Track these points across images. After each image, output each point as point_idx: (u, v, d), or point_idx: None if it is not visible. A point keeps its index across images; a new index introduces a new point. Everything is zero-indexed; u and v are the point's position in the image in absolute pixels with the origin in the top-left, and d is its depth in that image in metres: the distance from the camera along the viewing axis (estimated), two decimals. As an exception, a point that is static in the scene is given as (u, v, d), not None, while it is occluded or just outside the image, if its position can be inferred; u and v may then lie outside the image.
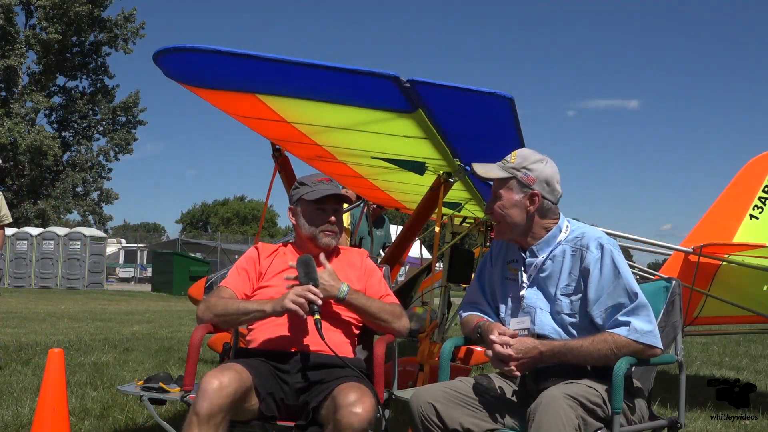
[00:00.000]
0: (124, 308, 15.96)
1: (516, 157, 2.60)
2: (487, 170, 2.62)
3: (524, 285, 2.61)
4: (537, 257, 2.60)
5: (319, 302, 2.63)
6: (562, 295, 2.53)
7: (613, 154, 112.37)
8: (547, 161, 2.60)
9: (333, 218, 2.96)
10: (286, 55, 2.69)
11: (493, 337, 2.47)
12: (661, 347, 2.46)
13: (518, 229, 2.60)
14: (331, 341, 2.66)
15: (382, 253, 8.24)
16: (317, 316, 2.61)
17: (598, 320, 2.46)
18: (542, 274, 2.58)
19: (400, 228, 5.92)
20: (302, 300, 2.60)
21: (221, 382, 2.40)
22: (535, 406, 2.26)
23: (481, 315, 2.71)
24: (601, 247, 2.50)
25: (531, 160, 2.58)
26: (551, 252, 2.58)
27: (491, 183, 2.66)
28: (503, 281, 2.70)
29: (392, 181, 5.31)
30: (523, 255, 2.64)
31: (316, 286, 2.68)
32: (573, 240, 2.57)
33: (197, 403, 2.37)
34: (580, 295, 2.50)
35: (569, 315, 2.51)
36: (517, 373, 2.46)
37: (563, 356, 2.41)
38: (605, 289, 2.45)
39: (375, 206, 7.51)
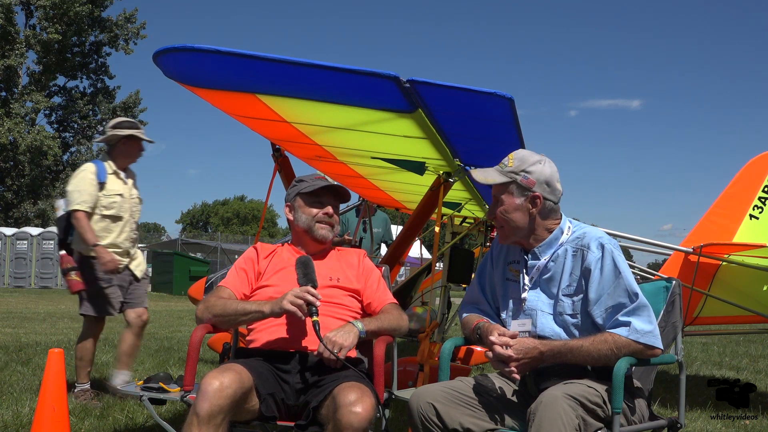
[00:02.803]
0: (124, 308, 15.91)
1: (513, 160, 2.58)
2: (486, 176, 2.60)
3: (526, 287, 2.61)
4: (539, 259, 2.59)
5: (318, 303, 2.63)
6: (564, 295, 2.53)
7: (615, 154, 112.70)
8: (545, 161, 2.58)
9: (330, 209, 2.97)
10: (286, 55, 2.70)
11: (492, 338, 2.46)
12: (662, 347, 2.45)
13: (522, 232, 2.59)
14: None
15: (383, 248, 8.25)
16: (315, 318, 2.61)
17: (599, 320, 2.46)
18: (544, 276, 2.58)
19: (401, 228, 5.92)
20: (300, 301, 2.60)
21: (221, 383, 2.40)
22: (536, 406, 2.25)
23: (481, 315, 2.70)
24: (602, 246, 2.50)
25: (529, 162, 2.56)
26: (553, 254, 2.58)
27: (491, 185, 2.65)
28: (504, 282, 2.70)
29: (392, 181, 5.31)
30: (525, 257, 2.63)
31: (315, 287, 2.68)
32: (574, 240, 2.56)
33: (197, 404, 2.37)
34: (581, 296, 2.50)
35: (571, 315, 2.51)
36: (517, 376, 2.45)
37: (563, 356, 2.41)
38: (606, 289, 2.45)
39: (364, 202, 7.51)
